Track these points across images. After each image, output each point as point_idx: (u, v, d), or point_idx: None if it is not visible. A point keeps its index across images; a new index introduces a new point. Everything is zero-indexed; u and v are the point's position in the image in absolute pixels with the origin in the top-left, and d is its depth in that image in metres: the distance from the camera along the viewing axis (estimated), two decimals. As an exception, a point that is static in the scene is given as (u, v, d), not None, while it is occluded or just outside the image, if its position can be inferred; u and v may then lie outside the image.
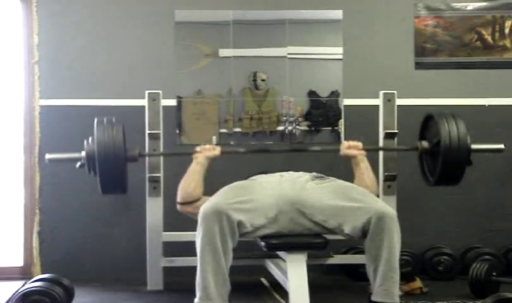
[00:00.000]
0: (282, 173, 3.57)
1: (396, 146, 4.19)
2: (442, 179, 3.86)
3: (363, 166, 3.75)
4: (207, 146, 3.82)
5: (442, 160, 3.76)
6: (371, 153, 4.19)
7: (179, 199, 3.70)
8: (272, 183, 3.45)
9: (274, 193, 3.37)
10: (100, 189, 3.72)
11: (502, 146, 4.02)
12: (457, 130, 3.75)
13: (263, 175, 3.60)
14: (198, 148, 3.81)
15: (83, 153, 3.74)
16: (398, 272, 3.21)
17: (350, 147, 3.82)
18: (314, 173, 3.57)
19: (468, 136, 3.78)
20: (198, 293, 3.17)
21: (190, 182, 3.69)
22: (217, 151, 3.82)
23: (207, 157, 3.76)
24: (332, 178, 3.57)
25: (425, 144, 3.93)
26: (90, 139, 3.74)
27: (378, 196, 3.83)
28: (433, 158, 3.90)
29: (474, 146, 3.81)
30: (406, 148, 4.07)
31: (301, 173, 3.57)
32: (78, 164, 3.78)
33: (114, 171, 3.67)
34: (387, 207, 3.29)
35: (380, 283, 3.19)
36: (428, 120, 3.97)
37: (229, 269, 3.20)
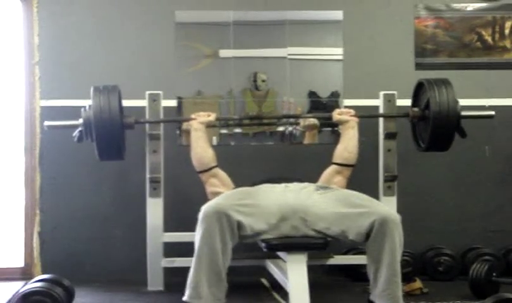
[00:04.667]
0: (288, 183, 3.57)
1: (388, 113, 4.22)
2: (432, 144, 3.96)
3: (352, 133, 3.82)
4: (202, 113, 3.95)
5: (431, 125, 3.85)
6: (372, 153, 4.20)
7: (196, 168, 3.82)
8: (276, 191, 3.46)
9: (277, 201, 3.37)
10: (97, 155, 3.82)
11: (492, 113, 4.11)
12: (446, 96, 3.84)
13: (269, 185, 3.60)
14: (193, 115, 3.94)
15: (80, 120, 3.83)
16: (400, 275, 3.22)
17: (342, 113, 3.92)
18: (318, 184, 3.60)
19: (457, 102, 3.86)
20: (187, 291, 3.16)
21: (196, 149, 3.81)
22: (212, 117, 3.95)
23: (201, 122, 3.88)
24: (335, 187, 3.59)
25: (415, 110, 4.02)
26: (88, 106, 3.83)
27: (354, 165, 3.84)
28: (424, 124, 4.00)
29: (464, 113, 3.90)
30: (397, 114, 4.16)
31: (306, 184, 3.58)
32: (76, 136, 3.86)
33: (110, 136, 3.77)
34: (391, 211, 3.30)
35: (384, 288, 3.20)
36: (419, 88, 4.05)
37: (228, 269, 3.20)
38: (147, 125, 4.21)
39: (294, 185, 3.54)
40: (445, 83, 3.91)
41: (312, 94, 4.74)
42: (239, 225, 3.21)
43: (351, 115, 3.89)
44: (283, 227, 3.33)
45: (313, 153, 4.56)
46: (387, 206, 3.41)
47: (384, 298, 3.20)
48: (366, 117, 4.17)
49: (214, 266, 3.15)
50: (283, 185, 3.54)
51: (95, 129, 3.75)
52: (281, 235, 3.34)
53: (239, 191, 3.47)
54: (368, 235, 3.22)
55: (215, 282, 3.16)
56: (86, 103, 3.92)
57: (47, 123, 4.02)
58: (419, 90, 4.07)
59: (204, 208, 3.22)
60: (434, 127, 3.86)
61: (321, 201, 3.39)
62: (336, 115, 3.93)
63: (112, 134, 3.77)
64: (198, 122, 3.88)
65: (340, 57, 4.74)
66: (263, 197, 3.38)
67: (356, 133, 3.84)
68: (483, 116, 4.14)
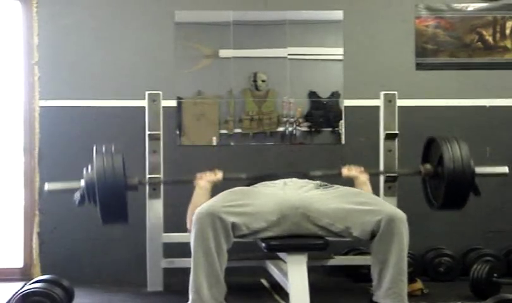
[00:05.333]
0: (286, 180, 3.54)
1: (397, 170, 4.14)
2: (447, 203, 3.84)
3: (366, 190, 3.69)
4: (208, 173, 3.78)
5: (446, 183, 3.74)
6: (372, 153, 4.20)
7: (188, 225, 3.59)
8: (275, 190, 3.44)
9: (276, 198, 3.34)
10: (101, 219, 3.68)
11: (506, 170, 3.97)
12: (460, 154, 3.73)
13: (267, 182, 3.57)
14: (199, 174, 3.77)
15: (82, 182, 3.70)
16: (406, 275, 3.21)
17: (351, 170, 3.82)
18: (318, 182, 3.57)
19: (471, 159, 3.75)
20: (190, 296, 3.16)
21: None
22: (219, 175, 3.79)
23: (209, 181, 3.73)
24: (337, 185, 3.56)
25: (428, 167, 3.91)
26: (89, 167, 3.70)
27: None
28: (437, 182, 3.89)
29: (478, 170, 3.77)
30: (408, 172, 4.04)
31: (305, 181, 3.55)
32: (77, 199, 3.71)
33: (114, 200, 3.63)
34: (398, 210, 3.28)
35: (390, 287, 3.18)
36: (431, 143, 3.95)
37: (225, 270, 3.19)
38: (147, 126, 4.20)
39: (293, 182, 3.52)
40: (457, 139, 3.80)
41: (312, 94, 4.73)
42: (234, 226, 3.19)
43: (361, 172, 3.79)
44: (284, 224, 3.31)
45: (313, 153, 4.56)
46: (392, 205, 3.37)
47: (389, 297, 3.18)
48: (374, 174, 4.01)
49: (211, 268, 3.14)
50: (281, 182, 3.52)
51: (99, 193, 3.61)
52: (282, 232, 3.32)
53: (234, 191, 3.43)
54: (373, 234, 3.21)
55: (214, 284, 3.15)
56: (86, 103, 3.91)
57: (47, 187, 3.86)
58: (430, 146, 3.97)
59: (197, 211, 3.21)
60: (449, 185, 3.74)
61: (323, 197, 3.37)
62: (346, 171, 3.83)
63: (116, 198, 3.64)
64: (206, 181, 3.73)
65: (340, 57, 4.73)
66: (260, 196, 3.36)
67: (370, 188, 3.73)
68: (497, 174, 3.99)
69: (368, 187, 3.73)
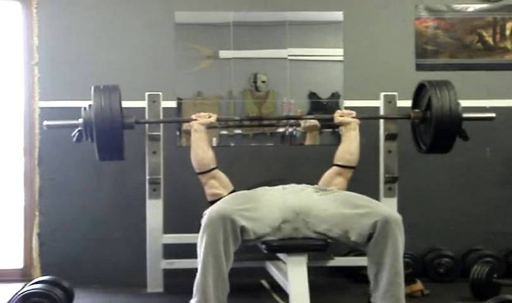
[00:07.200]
0: (285, 185, 3.54)
1: (389, 115, 4.21)
2: (434, 146, 3.96)
3: (353, 134, 3.82)
4: (202, 114, 3.93)
5: (433, 126, 3.85)
6: (372, 154, 4.19)
7: (195, 169, 3.79)
8: (275, 194, 3.44)
9: (277, 204, 3.34)
10: (97, 155, 3.83)
11: (493, 114, 4.12)
12: (448, 97, 3.85)
13: (266, 187, 3.57)
14: (193, 116, 3.92)
15: (80, 120, 3.85)
16: (403, 277, 3.20)
17: (344, 115, 3.91)
18: (317, 186, 3.57)
19: (459, 104, 3.86)
20: (196, 297, 3.16)
21: (196, 150, 3.78)
22: (213, 118, 3.92)
23: (202, 124, 3.86)
24: (335, 189, 3.57)
25: (417, 111, 4.03)
26: (87, 106, 3.83)
27: (354, 167, 3.82)
28: (425, 126, 4.00)
29: (465, 115, 3.91)
30: (398, 116, 4.16)
31: (303, 185, 3.56)
32: (75, 136, 3.87)
33: (111, 137, 3.78)
34: (393, 212, 3.28)
35: (386, 290, 3.17)
36: (421, 89, 4.05)
37: (229, 271, 3.19)
38: (147, 127, 4.20)
39: (292, 187, 3.52)
40: (446, 84, 3.91)
41: (312, 95, 4.73)
42: (243, 230, 3.19)
43: (352, 117, 3.88)
44: (284, 229, 3.32)
45: (314, 154, 4.56)
46: (388, 207, 3.37)
47: (386, 300, 3.17)
48: (367, 118, 4.17)
49: (219, 271, 3.14)
50: (280, 187, 3.52)
51: (96, 128, 3.75)
52: (282, 237, 3.32)
53: (240, 195, 3.44)
54: (369, 237, 3.20)
55: (220, 286, 3.15)
56: (86, 104, 3.92)
57: (46, 123, 4.03)
58: (420, 92, 4.07)
59: (208, 213, 3.19)
60: (436, 128, 3.85)
61: (322, 202, 3.37)
62: (338, 116, 3.92)
63: (113, 134, 3.78)
64: (198, 123, 3.86)
65: (340, 58, 4.73)
66: (264, 201, 3.36)
67: (358, 135, 3.83)
68: (484, 118, 4.13)
69: (356, 133, 3.82)
